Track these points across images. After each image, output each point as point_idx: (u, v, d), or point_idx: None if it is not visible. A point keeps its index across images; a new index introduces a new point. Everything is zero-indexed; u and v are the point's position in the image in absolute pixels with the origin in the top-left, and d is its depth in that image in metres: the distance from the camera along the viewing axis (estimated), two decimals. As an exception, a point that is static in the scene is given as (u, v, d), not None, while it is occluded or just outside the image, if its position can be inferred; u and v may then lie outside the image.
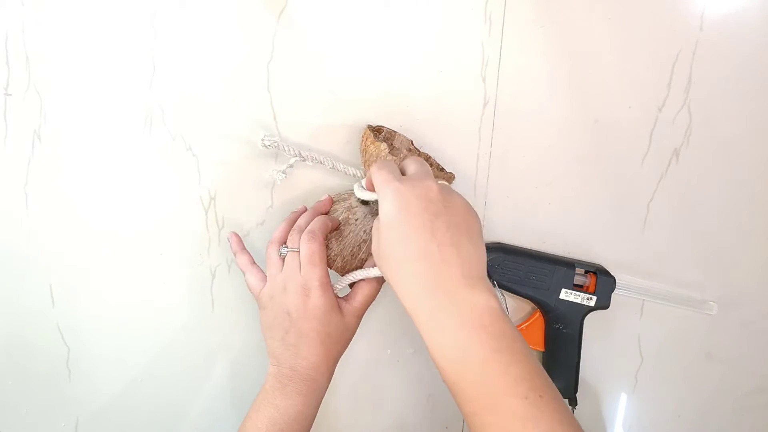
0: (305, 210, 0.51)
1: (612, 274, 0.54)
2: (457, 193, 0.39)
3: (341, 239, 0.49)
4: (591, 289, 0.54)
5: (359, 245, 0.49)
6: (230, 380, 0.58)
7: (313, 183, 0.53)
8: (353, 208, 0.50)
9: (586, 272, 0.54)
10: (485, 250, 0.38)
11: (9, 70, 0.47)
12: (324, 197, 0.51)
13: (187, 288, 0.54)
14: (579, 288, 0.54)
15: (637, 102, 0.53)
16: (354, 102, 0.51)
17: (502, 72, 0.51)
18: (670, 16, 0.51)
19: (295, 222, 0.48)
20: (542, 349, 0.56)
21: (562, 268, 0.53)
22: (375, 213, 0.49)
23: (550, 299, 0.53)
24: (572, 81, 0.52)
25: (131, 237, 0.52)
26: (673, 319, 0.59)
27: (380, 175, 0.39)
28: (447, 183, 0.48)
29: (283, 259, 0.46)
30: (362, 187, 0.46)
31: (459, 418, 0.62)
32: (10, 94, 0.48)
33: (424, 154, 0.51)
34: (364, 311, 0.48)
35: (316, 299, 0.44)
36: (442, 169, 0.52)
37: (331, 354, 0.46)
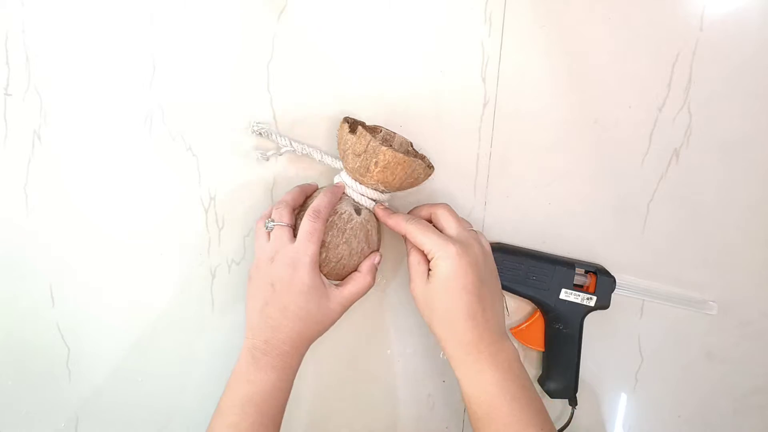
0: (312, 186, 0.51)
1: (612, 274, 0.54)
2: (488, 250, 0.47)
3: (329, 247, 0.46)
4: (591, 289, 0.53)
5: (350, 256, 0.47)
6: (227, 379, 0.58)
7: (313, 182, 0.53)
8: (342, 213, 0.47)
9: (586, 272, 0.54)
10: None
11: (9, 70, 0.47)
12: (312, 183, 0.51)
13: (187, 288, 0.54)
14: (579, 288, 0.54)
15: (637, 102, 0.53)
16: (354, 102, 0.51)
17: (502, 72, 0.51)
18: (670, 16, 0.51)
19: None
20: (542, 349, 0.56)
21: (562, 268, 0.53)
22: (366, 224, 0.48)
23: (550, 299, 0.53)
24: (572, 81, 0.52)
25: (131, 237, 0.52)
26: (673, 319, 0.59)
27: (429, 236, 0.44)
28: (487, 247, 0.47)
29: (269, 233, 0.46)
30: (359, 193, 0.47)
31: (459, 418, 0.62)
32: (10, 94, 0.48)
33: (420, 154, 0.51)
34: (351, 303, 0.47)
35: (304, 274, 0.44)
36: (423, 157, 0.50)
37: (308, 334, 0.46)
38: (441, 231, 0.46)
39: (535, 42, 0.51)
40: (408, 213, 0.49)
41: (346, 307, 0.47)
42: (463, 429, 0.62)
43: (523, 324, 0.57)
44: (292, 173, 0.52)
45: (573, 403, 0.57)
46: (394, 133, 0.51)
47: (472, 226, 0.49)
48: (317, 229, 0.44)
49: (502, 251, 0.53)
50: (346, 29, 0.50)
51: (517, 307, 0.58)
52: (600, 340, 0.60)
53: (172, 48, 0.48)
